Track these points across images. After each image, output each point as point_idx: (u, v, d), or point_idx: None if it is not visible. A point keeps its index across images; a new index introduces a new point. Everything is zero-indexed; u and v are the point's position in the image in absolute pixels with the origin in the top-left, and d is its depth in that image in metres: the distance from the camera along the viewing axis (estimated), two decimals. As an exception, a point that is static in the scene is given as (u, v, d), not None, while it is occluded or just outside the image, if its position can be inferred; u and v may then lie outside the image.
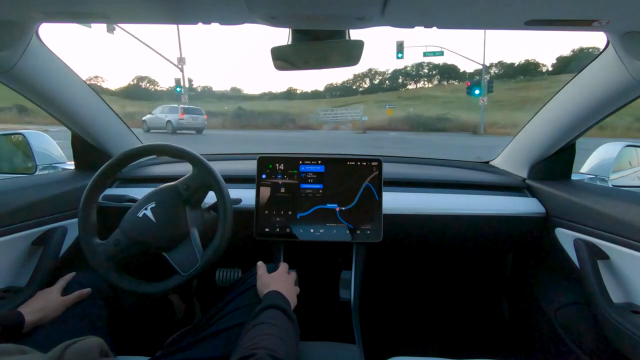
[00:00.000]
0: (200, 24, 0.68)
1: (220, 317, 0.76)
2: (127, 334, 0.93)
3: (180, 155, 0.87)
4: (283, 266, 0.85)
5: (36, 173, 1.29)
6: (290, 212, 1.03)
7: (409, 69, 78.88)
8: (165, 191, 0.85)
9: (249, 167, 1.10)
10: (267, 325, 0.61)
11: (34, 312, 0.71)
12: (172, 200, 0.83)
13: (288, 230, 1.02)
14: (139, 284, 0.81)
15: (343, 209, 1.02)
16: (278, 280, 0.78)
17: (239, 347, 0.57)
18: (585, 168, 1.35)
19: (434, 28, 0.68)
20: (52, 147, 1.40)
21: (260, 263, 0.84)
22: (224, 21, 0.67)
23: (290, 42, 0.76)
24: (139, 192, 0.92)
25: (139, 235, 0.80)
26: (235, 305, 0.78)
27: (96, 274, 0.81)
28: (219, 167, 0.87)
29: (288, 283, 0.80)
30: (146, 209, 0.82)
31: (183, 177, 0.87)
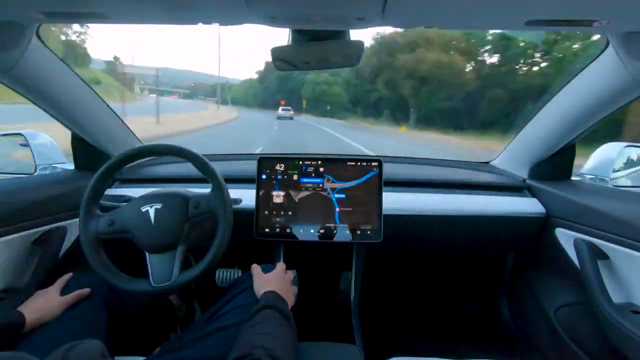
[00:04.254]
0: (200, 25, 0.68)
1: (218, 317, 0.76)
2: (126, 334, 0.93)
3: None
4: (280, 266, 0.85)
5: (36, 173, 1.29)
6: (290, 213, 1.03)
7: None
8: (175, 198, 0.85)
9: (249, 167, 1.10)
10: (263, 326, 0.61)
11: (33, 312, 0.71)
12: (177, 211, 0.83)
13: (288, 230, 1.02)
14: (109, 272, 0.81)
15: (343, 209, 1.02)
16: (274, 280, 0.78)
17: (235, 348, 0.57)
18: (585, 168, 1.35)
19: (434, 28, 0.68)
20: (52, 147, 1.40)
21: (254, 265, 0.84)
22: (224, 21, 0.67)
23: (290, 43, 0.76)
24: (139, 192, 0.92)
25: (133, 227, 0.82)
26: (233, 305, 0.78)
27: (95, 273, 0.81)
28: (219, 167, 0.87)
29: (285, 283, 0.79)
30: (151, 206, 0.83)
31: (199, 194, 0.87)
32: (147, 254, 0.83)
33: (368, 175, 1.03)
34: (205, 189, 0.92)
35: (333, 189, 1.03)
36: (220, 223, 0.82)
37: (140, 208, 0.83)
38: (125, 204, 0.87)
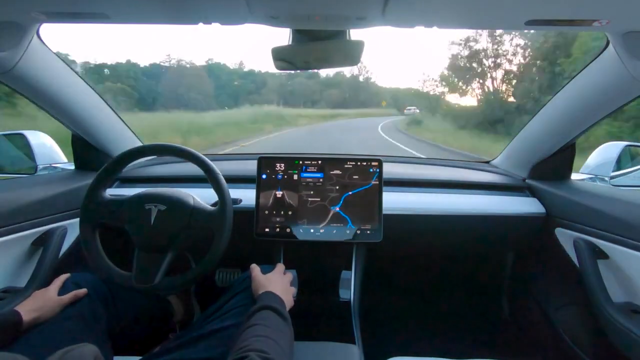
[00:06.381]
0: (200, 24, 0.68)
1: (216, 318, 0.76)
2: (125, 334, 0.93)
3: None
4: (279, 267, 0.85)
5: (36, 173, 1.29)
6: (290, 213, 1.03)
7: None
8: (180, 205, 0.83)
9: (249, 167, 1.10)
10: (259, 327, 0.61)
11: (31, 312, 0.71)
12: (179, 217, 0.82)
13: (288, 230, 1.02)
14: (99, 258, 0.82)
15: (343, 208, 1.02)
16: (273, 281, 0.78)
17: (232, 350, 0.57)
18: (585, 168, 1.35)
19: (434, 28, 0.68)
20: (52, 147, 1.40)
21: (253, 265, 0.84)
22: (224, 21, 0.67)
23: (290, 42, 0.76)
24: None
25: (130, 219, 0.83)
26: (231, 305, 0.78)
27: (94, 274, 0.82)
28: (220, 167, 0.87)
29: (283, 283, 0.79)
30: (155, 206, 0.82)
31: (204, 208, 0.85)
32: (136, 249, 0.83)
33: (366, 186, 1.03)
34: (206, 189, 0.92)
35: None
36: (215, 241, 0.81)
37: (145, 205, 0.82)
38: (129, 195, 0.86)
